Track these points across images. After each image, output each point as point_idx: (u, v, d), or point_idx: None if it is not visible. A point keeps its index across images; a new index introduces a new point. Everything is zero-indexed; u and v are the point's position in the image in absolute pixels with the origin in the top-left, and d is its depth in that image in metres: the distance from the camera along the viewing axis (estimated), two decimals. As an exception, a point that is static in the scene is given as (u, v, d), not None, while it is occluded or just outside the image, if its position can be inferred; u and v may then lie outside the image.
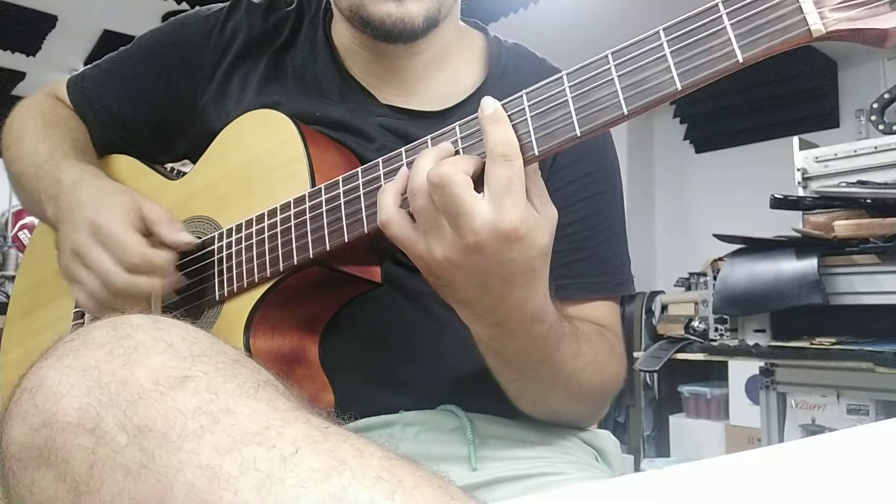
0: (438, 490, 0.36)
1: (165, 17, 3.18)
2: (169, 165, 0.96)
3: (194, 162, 0.83)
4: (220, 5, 0.86)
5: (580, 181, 0.77)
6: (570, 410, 0.74)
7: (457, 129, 0.57)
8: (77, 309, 0.84)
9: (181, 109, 0.85)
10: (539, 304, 0.58)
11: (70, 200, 0.75)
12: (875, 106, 1.95)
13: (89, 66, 0.94)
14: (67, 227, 0.74)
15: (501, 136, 0.53)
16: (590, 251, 0.77)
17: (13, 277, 3.37)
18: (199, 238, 0.76)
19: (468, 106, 0.56)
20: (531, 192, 0.54)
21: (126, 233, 0.70)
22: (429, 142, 0.58)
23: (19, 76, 4.01)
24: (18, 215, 3.56)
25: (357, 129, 0.76)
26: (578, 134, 0.52)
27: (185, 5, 3.17)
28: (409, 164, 0.58)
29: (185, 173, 0.83)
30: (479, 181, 0.53)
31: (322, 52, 0.81)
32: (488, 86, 0.78)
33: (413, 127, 0.75)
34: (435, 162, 0.54)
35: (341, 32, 0.81)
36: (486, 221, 0.51)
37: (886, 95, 1.94)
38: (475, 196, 0.52)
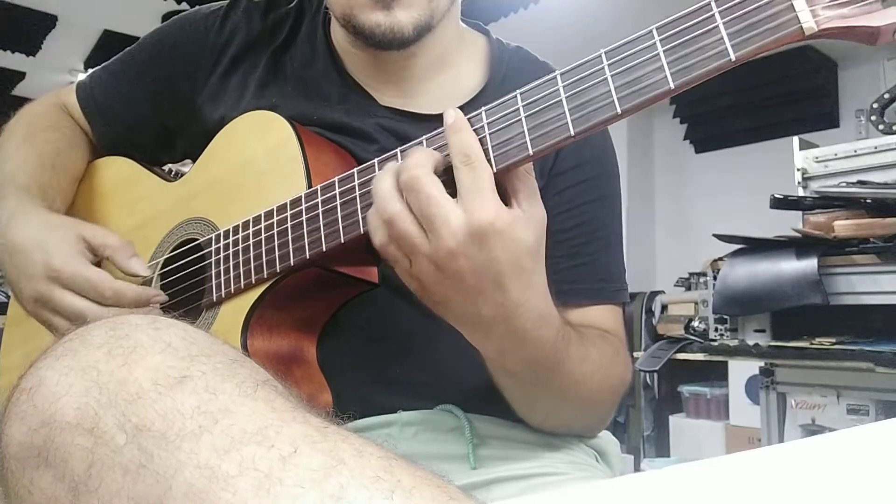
0: (437, 490, 0.36)
1: (165, 17, 3.18)
2: (168, 167, 0.96)
3: (195, 162, 0.83)
4: (220, 4, 0.86)
5: (579, 186, 0.77)
6: (580, 419, 0.74)
7: (423, 142, 0.58)
8: None
9: (181, 109, 0.85)
10: (540, 306, 0.58)
11: (7, 241, 0.75)
12: (875, 106, 1.94)
13: (97, 68, 0.94)
14: (16, 273, 0.74)
15: (462, 141, 0.54)
16: (588, 257, 0.77)
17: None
18: (197, 239, 0.76)
19: (469, 110, 0.56)
20: (518, 192, 0.55)
21: (87, 269, 0.72)
22: (423, 142, 0.58)
23: (19, 76, 4.01)
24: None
25: (356, 130, 0.76)
26: (572, 133, 0.51)
27: (185, 5, 3.17)
28: None
29: (184, 174, 0.83)
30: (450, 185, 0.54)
31: (322, 52, 0.81)
32: (489, 90, 0.78)
33: (413, 129, 0.75)
34: (393, 181, 0.55)
35: (339, 35, 0.81)
36: (460, 222, 0.52)
37: (886, 95, 1.94)
38: (449, 199, 0.53)
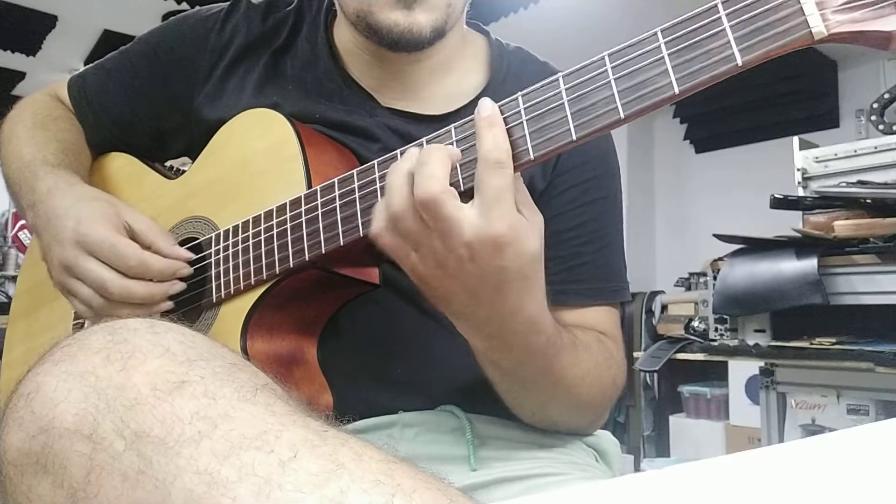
0: (437, 492, 0.36)
1: (165, 17, 3.16)
2: (169, 163, 0.96)
3: (193, 160, 0.83)
4: (220, 6, 0.86)
5: (581, 186, 0.77)
6: (570, 420, 0.74)
7: (452, 131, 0.57)
8: None
9: (177, 110, 0.84)
10: (534, 313, 0.58)
11: (46, 210, 0.75)
12: (875, 106, 1.94)
13: (90, 65, 0.94)
14: (49, 239, 0.74)
15: (497, 141, 0.52)
16: (589, 256, 0.77)
17: (13, 277, 3.37)
18: (197, 238, 0.76)
19: (469, 110, 0.56)
20: (518, 200, 0.54)
21: (116, 238, 0.70)
22: (424, 143, 0.58)
23: (19, 76, 4.01)
24: (18, 215, 3.57)
25: (359, 129, 0.76)
26: (574, 138, 0.51)
27: (185, 5, 3.17)
28: None
29: (184, 171, 0.83)
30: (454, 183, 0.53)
31: (323, 53, 0.81)
32: (490, 90, 0.78)
33: (415, 129, 0.75)
34: (408, 178, 0.53)
35: (344, 35, 0.80)
36: (475, 231, 0.51)
37: (886, 95, 1.93)
38: (461, 208, 0.52)
